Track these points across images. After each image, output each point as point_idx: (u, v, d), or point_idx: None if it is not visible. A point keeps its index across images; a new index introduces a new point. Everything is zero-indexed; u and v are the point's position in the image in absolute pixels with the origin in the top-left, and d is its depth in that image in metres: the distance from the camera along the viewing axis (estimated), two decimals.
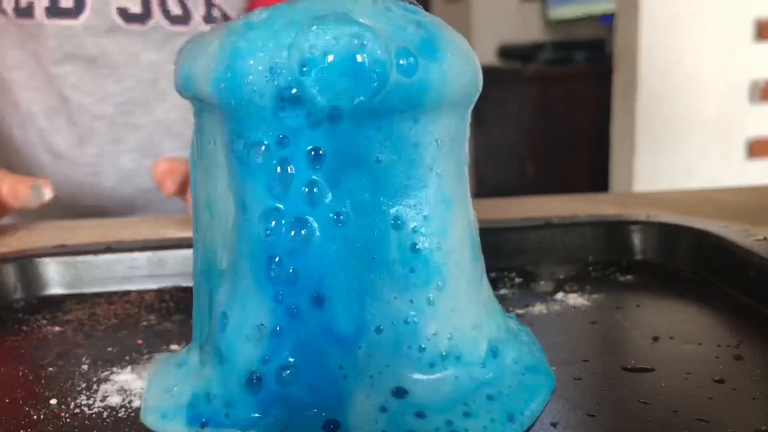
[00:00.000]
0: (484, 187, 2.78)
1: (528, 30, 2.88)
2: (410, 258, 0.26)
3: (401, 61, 0.24)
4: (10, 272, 0.42)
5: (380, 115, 0.25)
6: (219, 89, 0.25)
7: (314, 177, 0.25)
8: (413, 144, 0.26)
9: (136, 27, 0.70)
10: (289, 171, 0.25)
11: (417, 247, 0.26)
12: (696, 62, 1.76)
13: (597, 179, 2.32)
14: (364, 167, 0.25)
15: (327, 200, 0.25)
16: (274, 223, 0.25)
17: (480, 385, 0.27)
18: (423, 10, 0.27)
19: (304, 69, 0.24)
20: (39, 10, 0.68)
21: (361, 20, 0.24)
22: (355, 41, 0.24)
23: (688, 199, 0.59)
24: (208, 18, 0.72)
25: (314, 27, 0.24)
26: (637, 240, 0.44)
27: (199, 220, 0.29)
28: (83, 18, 0.69)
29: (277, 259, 0.25)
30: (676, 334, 0.33)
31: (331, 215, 0.25)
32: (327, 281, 0.25)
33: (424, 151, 0.26)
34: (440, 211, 0.27)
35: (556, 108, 2.38)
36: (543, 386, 0.28)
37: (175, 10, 0.70)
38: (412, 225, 0.26)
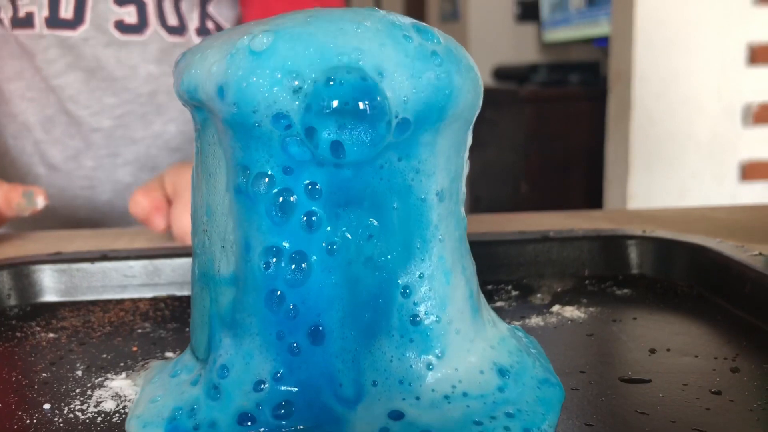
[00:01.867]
0: (478, 206, 2.79)
1: (523, 51, 2.90)
2: (410, 329, 0.26)
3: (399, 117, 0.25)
4: (5, 279, 0.42)
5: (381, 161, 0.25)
6: (228, 112, 0.25)
7: (313, 208, 0.25)
8: (419, 198, 0.26)
9: (133, 38, 0.70)
10: (292, 200, 0.25)
11: (417, 319, 0.26)
12: (690, 85, 1.78)
13: (591, 199, 2.32)
14: (373, 211, 0.26)
15: (325, 230, 0.25)
16: (275, 259, 0.25)
17: (498, 405, 0.26)
18: (439, 36, 0.27)
19: (312, 125, 0.24)
20: (39, 20, 0.68)
21: (372, 67, 0.24)
22: (366, 103, 0.24)
23: (683, 216, 0.59)
24: (202, 30, 0.73)
25: (330, 81, 0.24)
26: (633, 254, 0.44)
27: (198, 225, 0.29)
28: (81, 30, 0.69)
29: (278, 293, 0.25)
30: (673, 346, 0.33)
31: (325, 245, 0.25)
32: (325, 316, 0.25)
33: (429, 208, 0.26)
34: (441, 284, 0.27)
35: (551, 128, 2.39)
36: (556, 397, 0.28)
37: (172, 20, 0.71)
38: (413, 297, 0.26)
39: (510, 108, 2.49)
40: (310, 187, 0.25)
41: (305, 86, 0.24)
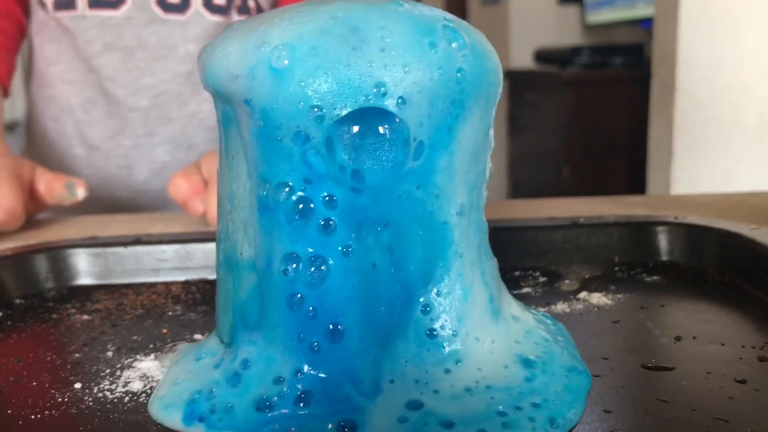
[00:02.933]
0: (519, 192, 2.77)
1: (566, 34, 2.85)
2: (426, 342, 0.26)
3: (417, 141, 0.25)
4: (43, 262, 0.43)
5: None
6: (255, 125, 0.25)
7: (331, 216, 0.26)
8: (440, 222, 0.27)
9: (175, 17, 0.71)
10: (311, 206, 0.25)
11: (434, 333, 0.27)
12: (736, 68, 1.73)
13: (634, 185, 2.29)
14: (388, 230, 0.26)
15: (341, 234, 0.26)
16: (294, 265, 0.26)
17: (524, 395, 0.26)
18: (465, 36, 0.27)
19: (333, 148, 0.25)
20: (81, 2, 0.70)
21: (393, 98, 0.25)
22: (385, 127, 0.24)
23: (722, 202, 0.58)
24: (242, 8, 0.73)
25: (345, 111, 0.24)
26: (664, 241, 0.44)
27: (222, 211, 0.29)
28: (123, 9, 0.70)
29: (298, 295, 0.26)
30: (700, 334, 0.33)
31: (342, 249, 0.26)
32: (344, 316, 0.26)
33: (450, 229, 0.27)
34: (459, 301, 0.27)
35: (593, 112, 2.36)
36: (583, 385, 0.28)
37: None
38: (431, 314, 0.27)
39: (551, 91, 2.46)
40: (327, 198, 0.25)
41: (325, 113, 0.24)
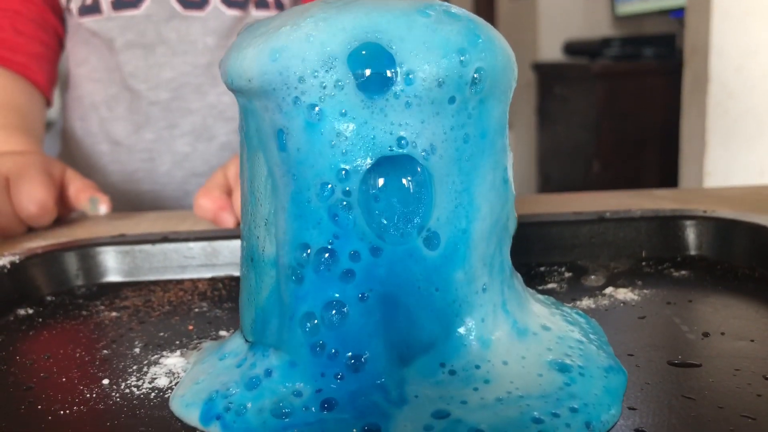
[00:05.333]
0: (548, 186, 2.74)
1: (595, 25, 2.82)
2: (448, 378, 0.26)
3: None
4: (73, 260, 0.44)
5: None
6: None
7: (353, 267, 0.26)
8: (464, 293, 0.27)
9: (194, 13, 0.72)
10: (335, 260, 0.26)
11: (453, 370, 0.26)
12: None
13: (666, 179, 2.25)
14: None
15: (360, 281, 0.26)
16: (316, 321, 0.26)
17: (562, 401, 0.25)
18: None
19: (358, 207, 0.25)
20: (106, 5, 0.71)
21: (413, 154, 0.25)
22: (409, 179, 0.26)
23: (752, 195, 0.57)
24: (260, 2, 0.74)
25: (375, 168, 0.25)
26: (692, 235, 0.43)
27: (245, 206, 0.30)
28: (143, 7, 0.72)
29: (320, 342, 0.26)
30: (728, 330, 0.32)
31: (361, 295, 0.26)
32: (367, 349, 0.26)
33: (474, 293, 0.27)
34: (482, 345, 0.27)
35: (623, 105, 2.33)
36: (620, 383, 0.27)
37: None
38: (450, 362, 0.27)
39: (581, 84, 2.43)
40: (353, 253, 0.26)
41: (350, 170, 0.25)
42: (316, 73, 0.25)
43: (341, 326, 0.26)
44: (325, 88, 0.25)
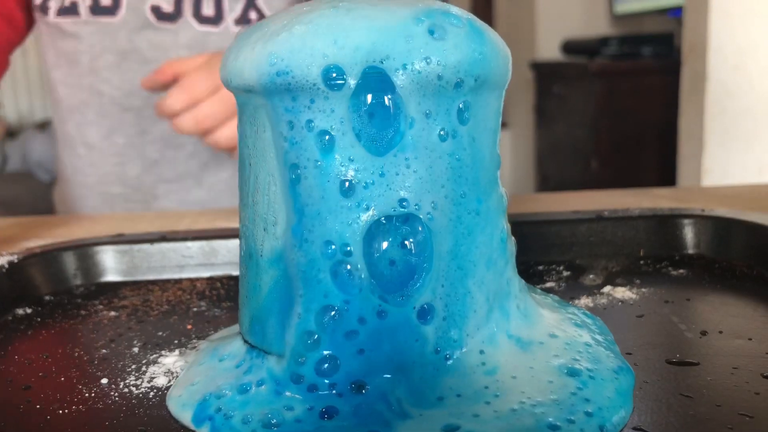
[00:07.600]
0: (546, 185, 2.74)
1: (593, 24, 2.82)
2: (456, 400, 0.26)
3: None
4: (71, 260, 0.44)
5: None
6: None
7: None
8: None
9: (166, 25, 0.73)
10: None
11: (459, 394, 0.26)
12: None
13: (664, 177, 2.25)
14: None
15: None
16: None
17: (576, 406, 0.25)
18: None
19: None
20: (83, 9, 0.72)
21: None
22: (410, 241, 0.26)
23: (750, 193, 0.57)
24: (243, 19, 0.74)
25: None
26: (690, 234, 0.43)
27: (244, 204, 0.30)
28: (120, 15, 0.72)
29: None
30: (726, 328, 0.32)
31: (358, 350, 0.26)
32: (367, 379, 0.26)
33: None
34: (484, 378, 0.27)
35: (622, 103, 2.33)
36: (630, 383, 0.27)
37: (208, 11, 0.73)
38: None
39: (579, 83, 2.43)
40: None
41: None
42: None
43: (333, 373, 0.26)
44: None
